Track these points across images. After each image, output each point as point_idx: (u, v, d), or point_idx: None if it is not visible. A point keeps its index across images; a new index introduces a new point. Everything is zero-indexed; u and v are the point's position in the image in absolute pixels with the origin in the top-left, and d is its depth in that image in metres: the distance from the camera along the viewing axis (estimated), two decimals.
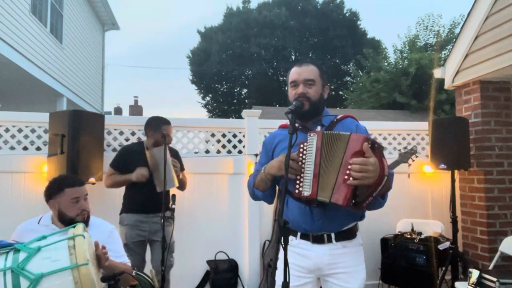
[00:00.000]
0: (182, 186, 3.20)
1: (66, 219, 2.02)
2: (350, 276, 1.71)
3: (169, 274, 3.07)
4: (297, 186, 1.63)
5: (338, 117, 1.82)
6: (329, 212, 1.68)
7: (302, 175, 1.62)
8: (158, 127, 3.10)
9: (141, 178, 2.91)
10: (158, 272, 2.78)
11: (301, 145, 1.65)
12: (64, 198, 2.03)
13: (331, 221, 1.70)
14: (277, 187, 1.90)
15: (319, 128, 1.72)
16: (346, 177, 1.51)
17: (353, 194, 1.51)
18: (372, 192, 1.53)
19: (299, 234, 1.74)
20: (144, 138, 3.91)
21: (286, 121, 1.96)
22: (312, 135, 1.63)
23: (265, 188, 1.80)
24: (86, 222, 2.05)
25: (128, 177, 3.00)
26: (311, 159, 1.60)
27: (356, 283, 1.72)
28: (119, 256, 2.07)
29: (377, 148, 1.54)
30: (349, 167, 1.51)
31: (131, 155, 3.11)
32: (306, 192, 1.59)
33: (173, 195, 3.05)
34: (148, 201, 2.89)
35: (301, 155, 1.63)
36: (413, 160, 3.72)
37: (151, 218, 2.98)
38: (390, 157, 4.20)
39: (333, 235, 1.71)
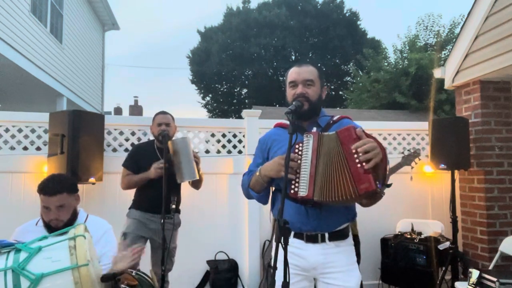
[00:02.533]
0: (198, 183, 3.13)
1: (43, 221, 2.02)
2: (347, 275, 1.72)
3: (168, 276, 3.06)
4: (293, 186, 1.63)
5: (335, 118, 1.83)
6: (325, 212, 1.69)
7: (298, 175, 1.62)
8: (153, 119, 3.12)
9: (159, 173, 2.86)
10: (158, 273, 2.78)
11: (297, 146, 1.66)
12: (40, 202, 2.01)
13: (326, 221, 1.71)
14: (271, 188, 1.89)
15: (315, 129, 1.73)
16: (359, 165, 1.49)
17: (374, 176, 1.49)
18: (385, 167, 1.53)
19: (292, 233, 1.74)
20: (144, 138, 3.92)
21: (281, 120, 1.97)
22: (308, 136, 1.64)
23: (260, 189, 1.81)
24: (60, 229, 1.93)
25: (146, 175, 2.95)
26: (307, 160, 1.61)
27: (354, 280, 1.73)
28: (109, 257, 2.06)
29: (363, 131, 1.58)
30: (356, 155, 1.50)
31: (143, 154, 3.09)
32: (302, 192, 1.60)
33: (178, 200, 3.05)
34: (158, 202, 2.84)
35: (297, 155, 1.64)
36: (415, 163, 3.73)
37: (158, 218, 2.95)
38: (390, 157, 4.20)
39: (326, 234, 1.72)
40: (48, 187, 1.98)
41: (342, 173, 1.53)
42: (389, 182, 1.59)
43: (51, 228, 2.01)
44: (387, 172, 1.55)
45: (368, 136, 1.57)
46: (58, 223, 2.01)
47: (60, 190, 1.98)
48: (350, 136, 1.54)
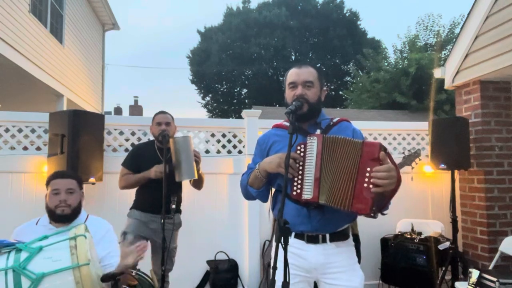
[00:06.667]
0: (199, 183, 3.13)
1: (48, 211, 2.05)
2: (349, 275, 1.72)
3: (168, 276, 3.06)
4: (295, 188, 1.62)
5: (334, 120, 1.83)
6: (328, 214, 1.69)
7: (300, 177, 1.61)
8: (153, 118, 3.11)
9: (159, 175, 2.87)
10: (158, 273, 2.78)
11: (298, 147, 1.65)
12: (49, 190, 2.08)
13: (328, 223, 1.71)
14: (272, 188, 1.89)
15: (318, 131, 1.72)
16: (366, 185, 1.49)
17: (373, 202, 1.49)
18: (390, 198, 1.53)
19: (293, 233, 1.73)
20: (144, 138, 3.92)
21: (280, 121, 1.96)
22: (312, 138, 1.62)
23: (259, 185, 1.79)
24: (67, 216, 2.03)
25: (146, 175, 2.95)
26: (312, 163, 1.60)
27: (357, 280, 1.72)
28: (112, 256, 2.06)
29: (388, 155, 1.54)
30: (368, 174, 1.49)
31: (143, 155, 3.09)
32: (307, 195, 1.59)
33: (178, 200, 3.05)
34: (159, 202, 2.83)
35: (299, 156, 1.63)
36: (416, 163, 3.72)
37: (158, 218, 2.94)
38: None
39: (327, 235, 1.72)
40: (60, 172, 2.20)
41: (347, 183, 1.53)
42: (385, 212, 1.59)
43: (55, 216, 2.02)
44: (389, 203, 1.54)
45: (393, 163, 1.53)
46: (65, 208, 2.03)
47: (72, 176, 2.16)
48: (374, 153, 1.50)
